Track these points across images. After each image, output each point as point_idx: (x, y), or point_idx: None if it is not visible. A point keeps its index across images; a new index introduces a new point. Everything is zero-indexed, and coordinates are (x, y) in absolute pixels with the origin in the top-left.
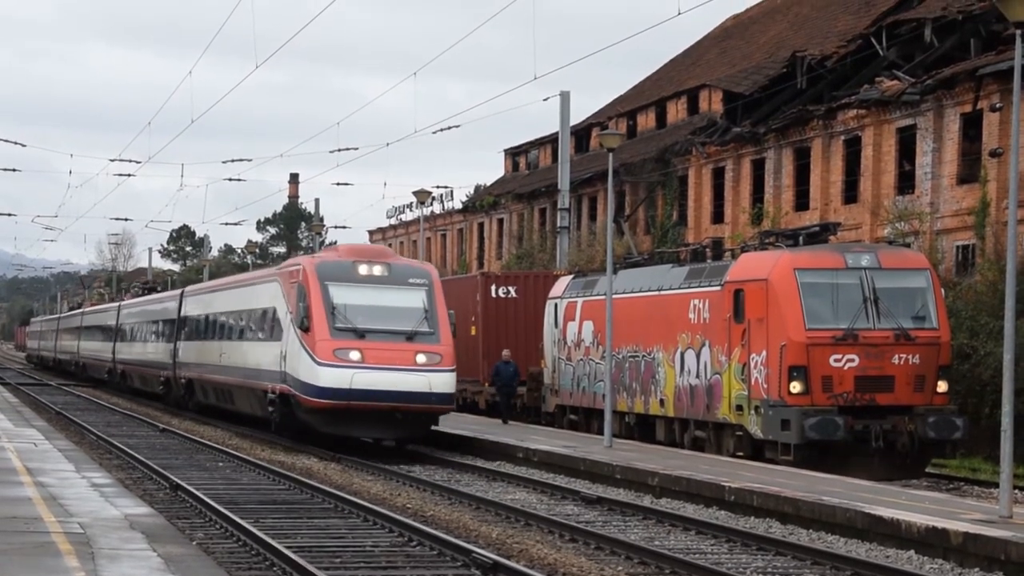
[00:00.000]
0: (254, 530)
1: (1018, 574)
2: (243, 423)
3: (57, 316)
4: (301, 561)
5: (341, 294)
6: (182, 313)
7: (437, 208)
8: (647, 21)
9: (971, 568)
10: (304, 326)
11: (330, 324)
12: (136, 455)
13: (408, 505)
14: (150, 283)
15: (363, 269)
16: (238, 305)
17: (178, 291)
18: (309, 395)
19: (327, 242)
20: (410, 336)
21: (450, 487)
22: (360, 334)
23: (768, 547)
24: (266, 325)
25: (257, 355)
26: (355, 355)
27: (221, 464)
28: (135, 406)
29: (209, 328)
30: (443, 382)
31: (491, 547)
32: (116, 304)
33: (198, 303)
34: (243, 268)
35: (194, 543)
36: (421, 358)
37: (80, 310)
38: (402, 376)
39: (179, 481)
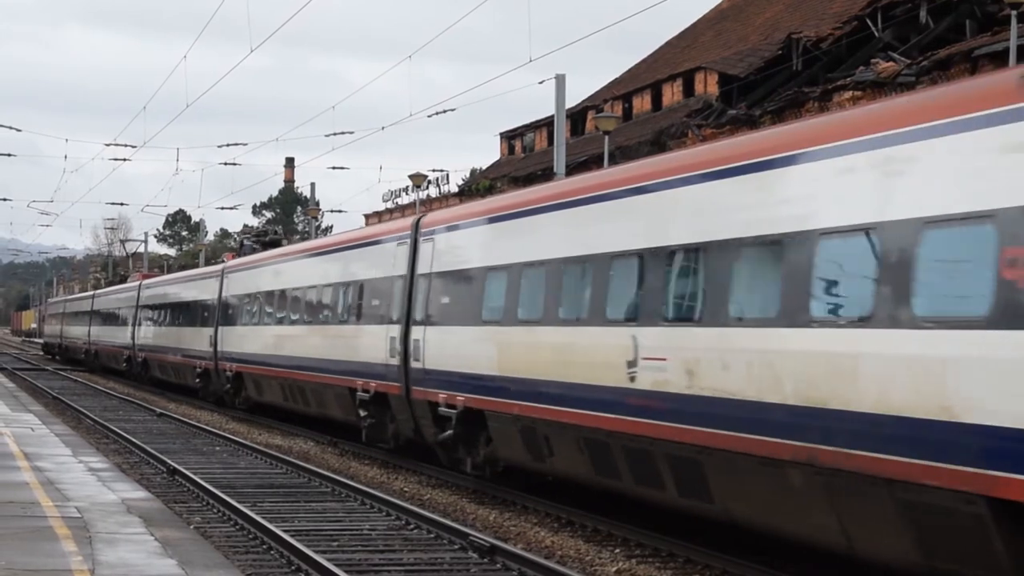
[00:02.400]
0: (251, 514)
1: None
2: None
3: (91, 294)
4: (298, 544)
5: None
6: (424, 268)
7: (433, 192)
8: (642, 3)
9: None
10: None
11: None
12: (133, 439)
13: (405, 489)
14: (271, 232)
15: None
16: (731, 227)
17: (406, 221)
18: None
19: (323, 227)
20: None
21: (447, 472)
22: None
23: None
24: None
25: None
26: None
27: (218, 448)
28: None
29: (572, 292)
30: None
31: (488, 530)
32: (217, 268)
33: (503, 238)
34: (240, 254)
35: (191, 527)
36: None
37: (133, 283)
38: None
39: (176, 465)
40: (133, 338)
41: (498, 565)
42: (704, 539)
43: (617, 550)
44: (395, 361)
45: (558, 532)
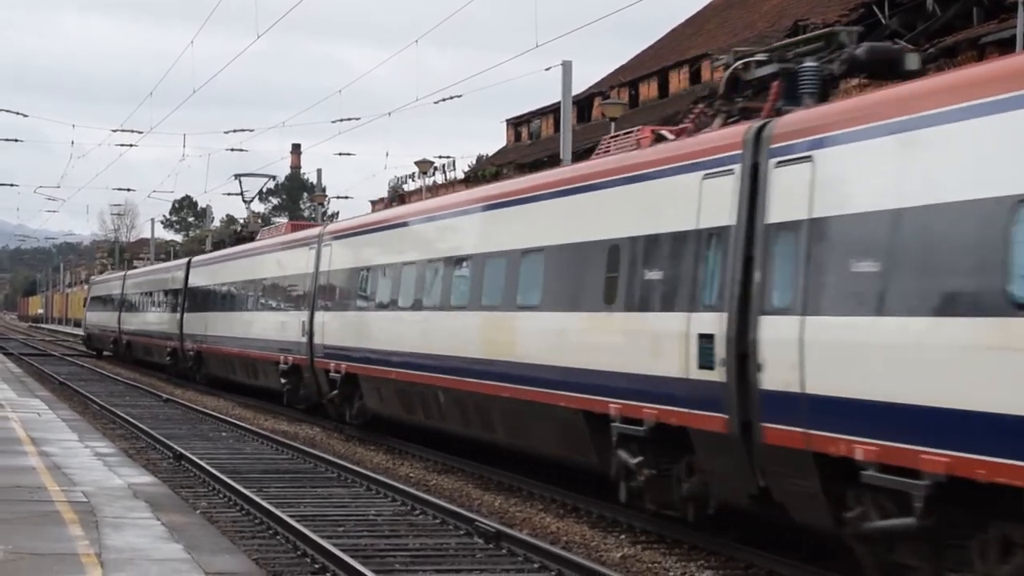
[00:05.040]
0: (257, 499)
1: None
2: None
3: (183, 262)
4: (304, 530)
5: None
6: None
7: (439, 178)
8: None
9: None
10: None
11: None
12: (139, 425)
13: (411, 475)
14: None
15: None
16: None
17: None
18: None
19: (329, 213)
20: None
21: (453, 457)
22: None
23: None
24: None
25: None
26: None
27: (224, 434)
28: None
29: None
30: None
31: (494, 516)
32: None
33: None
34: (252, 238)
35: (197, 512)
36: None
37: (302, 235)
38: None
39: (182, 450)
40: (310, 336)
41: (503, 550)
42: (709, 527)
43: (622, 536)
44: None
45: (563, 518)
